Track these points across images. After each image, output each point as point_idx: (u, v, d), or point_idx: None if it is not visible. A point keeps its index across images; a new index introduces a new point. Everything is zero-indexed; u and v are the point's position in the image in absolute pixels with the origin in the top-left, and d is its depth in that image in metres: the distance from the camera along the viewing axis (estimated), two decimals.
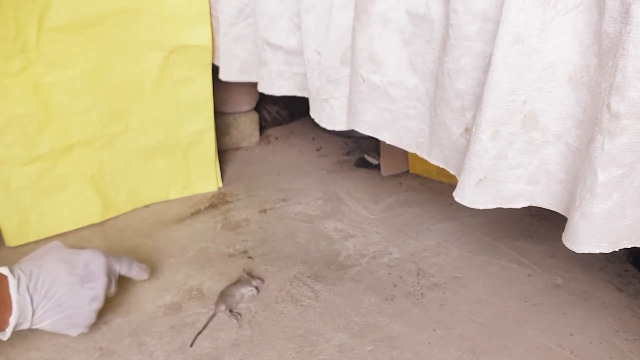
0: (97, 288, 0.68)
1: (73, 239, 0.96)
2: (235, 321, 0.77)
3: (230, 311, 0.79)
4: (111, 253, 0.73)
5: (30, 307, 0.62)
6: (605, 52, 0.49)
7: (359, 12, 0.70)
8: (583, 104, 0.54)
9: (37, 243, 0.94)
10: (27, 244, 0.94)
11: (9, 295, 0.61)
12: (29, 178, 0.91)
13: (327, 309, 0.80)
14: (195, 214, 1.05)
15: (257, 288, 0.82)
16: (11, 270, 0.63)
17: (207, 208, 1.07)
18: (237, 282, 0.83)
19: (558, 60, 0.54)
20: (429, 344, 0.74)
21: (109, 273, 0.70)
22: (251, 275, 0.85)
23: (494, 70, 0.54)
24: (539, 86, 0.55)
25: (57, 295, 0.64)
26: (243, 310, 0.80)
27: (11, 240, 0.93)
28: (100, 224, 1.00)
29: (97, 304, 0.68)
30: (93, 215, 0.99)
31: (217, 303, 0.79)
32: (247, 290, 0.82)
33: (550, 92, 0.55)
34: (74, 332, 0.68)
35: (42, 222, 0.94)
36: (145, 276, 0.80)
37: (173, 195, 1.09)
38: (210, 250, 0.94)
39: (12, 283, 0.61)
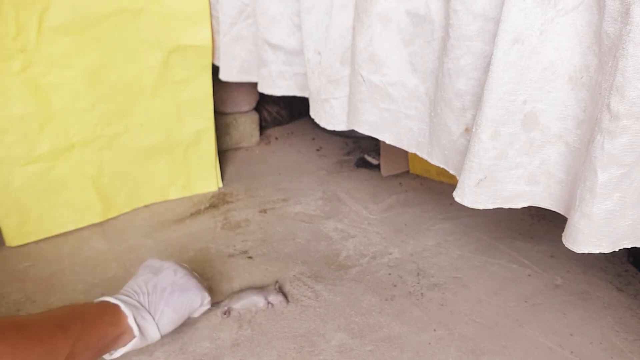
0: (195, 301, 0.71)
1: (73, 239, 0.96)
2: (222, 317, 0.78)
3: (225, 312, 0.79)
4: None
5: (153, 319, 0.65)
6: (605, 52, 0.49)
7: (359, 12, 0.70)
8: (583, 104, 0.54)
9: (37, 243, 0.94)
10: (27, 244, 0.94)
11: (128, 325, 0.63)
12: (29, 178, 0.91)
13: (327, 309, 0.80)
14: (195, 214, 1.05)
15: (270, 304, 0.80)
16: (124, 302, 0.65)
17: (207, 208, 1.07)
18: (259, 289, 0.82)
19: (558, 61, 0.54)
20: (429, 344, 0.74)
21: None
22: (279, 290, 0.82)
23: (494, 71, 0.54)
24: (539, 86, 0.55)
25: (160, 287, 0.67)
26: (243, 310, 0.80)
27: (11, 240, 0.93)
28: (100, 224, 1.00)
29: (191, 312, 0.71)
30: (93, 215, 0.99)
31: (225, 299, 0.80)
32: (259, 300, 0.80)
33: (551, 92, 0.55)
34: (195, 302, 0.70)
35: (42, 222, 0.95)
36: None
37: (173, 195, 1.09)
38: (210, 250, 0.94)
39: (128, 314, 0.63)
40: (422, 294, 0.84)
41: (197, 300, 0.70)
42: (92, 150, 0.96)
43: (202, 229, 1.00)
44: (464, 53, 0.60)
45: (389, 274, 0.88)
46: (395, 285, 0.85)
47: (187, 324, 0.77)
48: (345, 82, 0.78)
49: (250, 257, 0.92)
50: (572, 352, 0.73)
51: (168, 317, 0.67)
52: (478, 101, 0.60)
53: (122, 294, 0.66)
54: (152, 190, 1.06)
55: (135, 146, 1.00)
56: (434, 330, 0.76)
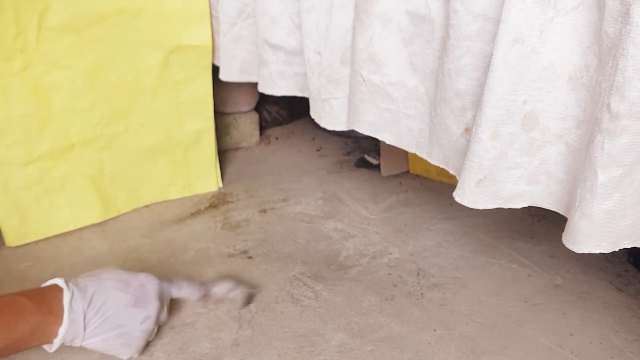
0: (150, 310, 0.68)
1: (73, 239, 0.96)
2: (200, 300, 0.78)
3: (206, 295, 0.78)
4: (164, 276, 0.74)
5: (82, 321, 0.62)
6: (605, 52, 0.49)
7: (359, 12, 0.70)
8: (583, 104, 0.54)
9: (37, 243, 0.94)
10: (27, 244, 0.94)
11: (61, 307, 0.61)
12: (29, 178, 0.91)
13: (327, 309, 0.80)
14: (195, 214, 1.05)
15: (205, 295, 0.78)
16: (66, 283, 0.63)
17: (207, 208, 1.07)
18: (235, 283, 0.82)
19: (558, 61, 0.54)
20: (429, 344, 0.74)
21: (162, 297, 0.71)
22: (246, 297, 0.81)
23: (494, 71, 0.55)
24: (539, 86, 0.55)
25: (110, 312, 0.64)
26: (243, 310, 0.80)
27: (11, 240, 0.93)
28: (100, 224, 1.00)
29: (149, 325, 0.68)
30: (93, 215, 0.99)
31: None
32: (234, 292, 0.80)
33: (551, 92, 0.55)
34: (125, 354, 0.67)
35: (42, 222, 0.94)
36: (196, 296, 0.77)
37: (173, 195, 1.09)
38: (210, 250, 0.94)
39: (66, 295, 0.62)
40: (422, 294, 0.84)
41: (122, 356, 0.68)
42: (92, 150, 0.96)
43: (202, 229, 1.00)
44: (464, 53, 0.60)
45: (389, 274, 0.88)
46: (395, 285, 0.85)
47: (187, 324, 0.77)
48: (345, 82, 0.78)
49: (250, 257, 0.92)
50: (572, 352, 0.73)
51: (91, 346, 0.65)
52: (478, 101, 0.60)
53: (86, 299, 0.63)
54: (152, 190, 1.06)
55: (135, 146, 1.00)
56: (434, 330, 0.76)
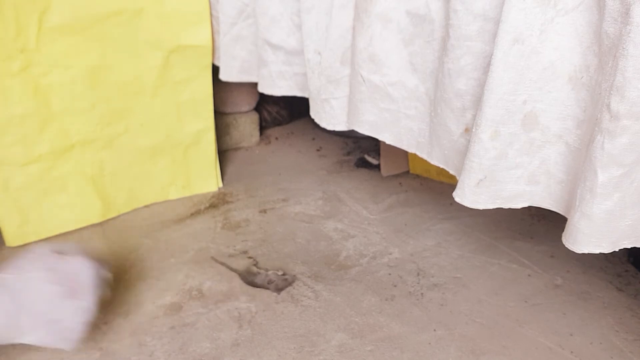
0: (88, 299, 0.63)
1: (73, 239, 0.96)
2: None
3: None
4: (95, 256, 0.69)
5: (8, 322, 0.58)
6: (605, 52, 0.49)
7: (359, 12, 0.70)
8: (583, 104, 0.54)
9: (37, 243, 0.94)
10: (27, 244, 0.94)
11: None
12: (29, 178, 0.91)
13: (327, 309, 0.80)
14: (195, 214, 1.05)
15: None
16: None
17: (207, 208, 1.07)
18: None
19: (558, 61, 0.54)
20: (429, 344, 0.74)
21: (99, 280, 0.66)
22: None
23: (494, 71, 0.55)
24: (539, 86, 0.55)
25: (41, 308, 0.60)
26: (243, 311, 0.80)
27: (11, 240, 0.93)
28: (100, 224, 1.00)
29: (87, 317, 0.63)
30: (93, 215, 0.99)
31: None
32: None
33: (551, 92, 0.55)
34: (66, 347, 0.63)
35: (42, 222, 0.94)
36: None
37: (173, 195, 1.09)
38: (210, 250, 0.94)
39: None
40: (422, 294, 0.84)
41: (64, 348, 0.63)
42: (92, 150, 0.96)
43: (202, 229, 1.00)
44: (464, 53, 0.60)
45: (389, 274, 0.88)
46: (395, 285, 0.85)
47: (187, 324, 0.77)
48: (345, 82, 0.78)
49: (250, 257, 0.92)
50: (572, 352, 0.73)
51: (30, 343, 0.60)
52: (478, 101, 0.60)
53: (9, 297, 0.58)
54: (152, 190, 1.06)
55: (135, 146, 1.00)
56: (434, 330, 0.76)
